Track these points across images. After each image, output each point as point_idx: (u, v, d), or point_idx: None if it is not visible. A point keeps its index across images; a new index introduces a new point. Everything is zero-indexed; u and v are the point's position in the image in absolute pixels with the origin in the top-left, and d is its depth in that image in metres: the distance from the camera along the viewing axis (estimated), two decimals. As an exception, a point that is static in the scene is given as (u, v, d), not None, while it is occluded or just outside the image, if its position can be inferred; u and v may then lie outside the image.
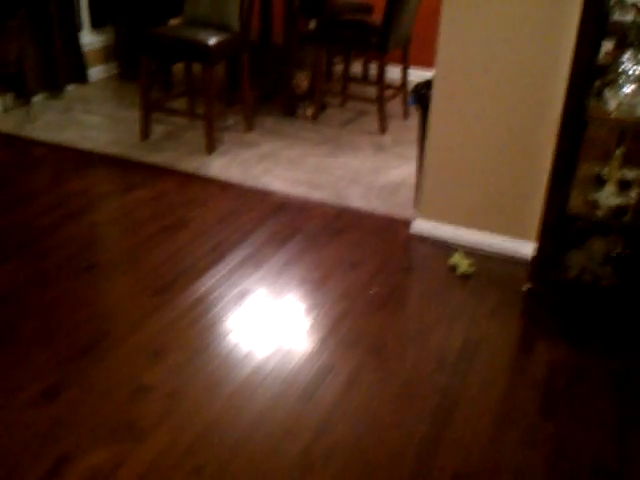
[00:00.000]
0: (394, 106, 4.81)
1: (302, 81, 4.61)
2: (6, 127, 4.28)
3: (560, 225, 2.56)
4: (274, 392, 2.15)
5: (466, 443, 2.00)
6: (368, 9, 5.07)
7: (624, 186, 2.69)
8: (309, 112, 4.67)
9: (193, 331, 2.44)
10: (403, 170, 3.90)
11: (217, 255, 2.94)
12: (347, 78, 5.02)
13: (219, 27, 4.01)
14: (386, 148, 4.25)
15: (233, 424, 2.02)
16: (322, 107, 4.82)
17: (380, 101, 4.43)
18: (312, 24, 5.24)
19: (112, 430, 1.98)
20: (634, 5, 2.37)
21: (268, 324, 2.50)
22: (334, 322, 2.53)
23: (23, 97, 4.57)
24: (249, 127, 4.39)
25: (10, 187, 3.53)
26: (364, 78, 5.33)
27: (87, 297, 2.63)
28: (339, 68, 5.26)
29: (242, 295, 2.66)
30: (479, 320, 2.59)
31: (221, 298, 2.63)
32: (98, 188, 3.59)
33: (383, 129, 4.49)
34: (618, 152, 2.59)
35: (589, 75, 2.35)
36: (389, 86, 4.66)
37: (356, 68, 5.42)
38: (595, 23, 2.26)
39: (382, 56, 4.34)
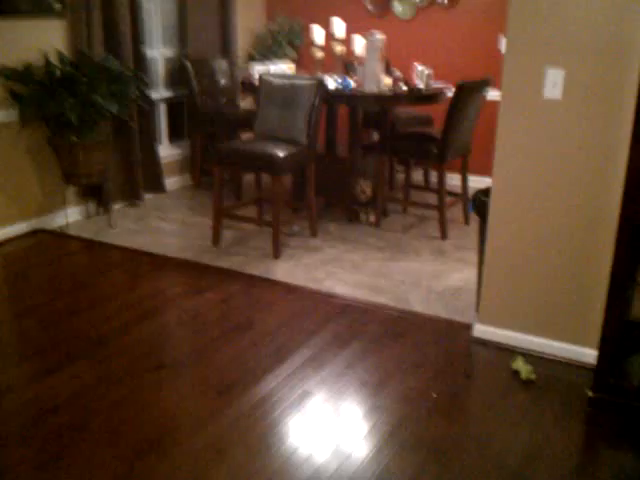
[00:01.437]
0: (455, 213, 4.93)
1: (365, 189, 4.80)
2: (87, 233, 4.59)
3: (620, 332, 2.55)
4: (333, 494, 2.16)
5: None
6: (428, 121, 5.29)
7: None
8: (371, 218, 4.83)
9: (255, 432, 2.49)
10: (464, 275, 3.95)
11: (280, 356, 3.02)
12: (409, 186, 5.19)
13: (287, 140, 4.26)
14: (447, 253, 4.33)
15: (292, 526, 2.04)
16: (384, 214, 4.97)
17: (440, 208, 4.56)
18: (375, 135, 5.51)
19: (174, 527, 2.02)
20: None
21: (329, 428, 2.53)
22: (394, 426, 2.54)
23: (103, 205, 4.90)
24: (314, 233, 4.57)
25: (88, 288, 3.75)
26: (426, 186, 5.48)
27: (154, 396, 2.73)
28: (401, 177, 5.44)
29: (303, 397, 2.71)
30: (542, 427, 2.56)
31: (283, 400, 2.69)
32: (169, 291, 3.78)
33: (444, 235, 4.59)
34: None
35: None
36: (449, 193, 4.79)
37: (418, 176, 5.61)
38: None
39: (442, 165, 4.50)
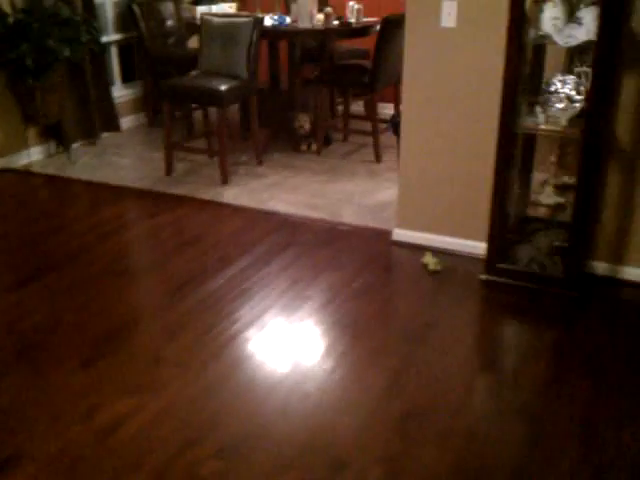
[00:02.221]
0: (392, 138, 5.37)
1: (303, 123, 5.20)
2: (49, 169, 4.96)
3: (503, 225, 3.06)
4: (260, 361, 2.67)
5: (416, 386, 2.48)
6: (364, 54, 5.69)
7: (565, 189, 3.18)
8: (313, 147, 5.26)
9: (203, 319, 2.97)
10: (392, 191, 4.41)
11: (224, 263, 3.50)
12: (348, 116, 5.62)
13: (229, 75, 4.64)
14: (380, 174, 4.80)
15: (230, 378, 2.55)
16: (327, 142, 5.41)
17: (374, 134, 5.01)
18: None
19: (135, 387, 2.52)
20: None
21: (266, 311, 3.03)
22: (318, 310, 3.04)
23: (63, 144, 5.25)
24: (259, 162, 4.99)
25: (54, 216, 4.16)
26: (365, 115, 5.90)
27: (117, 296, 3.20)
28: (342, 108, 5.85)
29: (244, 292, 3.20)
30: (442, 304, 3.09)
31: (226, 295, 3.17)
32: (127, 215, 4.22)
33: (378, 158, 5.05)
34: (552, 159, 3.10)
35: (515, 97, 2.88)
36: (384, 120, 5.22)
37: (360, 108, 6.02)
38: (517, 57, 2.80)
39: (374, 94, 4.93)
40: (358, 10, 4.98)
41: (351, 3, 5.06)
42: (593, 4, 2.72)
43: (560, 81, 3.04)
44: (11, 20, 4.64)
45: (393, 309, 3.07)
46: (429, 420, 2.34)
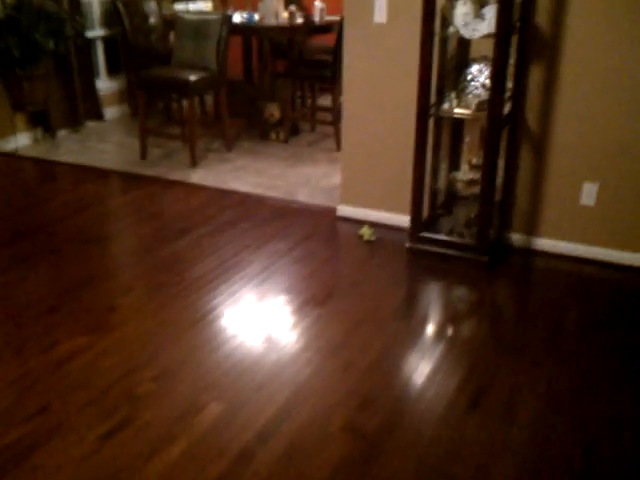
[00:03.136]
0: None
1: (273, 112, 5.62)
2: (36, 153, 5.39)
3: (421, 196, 3.47)
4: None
5: (334, 325, 2.90)
6: (331, 50, 6.09)
7: (477, 167, 3.57)
8: (281, 136, 5.68)
9: (160, 274, 3.39)
10: (346, 175, 4.84)
11: (186, 231, 3.92)
12: (314, 107, 6.03)
13: (200, 68, 5.06)
14: (338, 161, 5.20)
15: (175, 322, 2.96)
16: (295, 132, 5.82)
17: (335, 124, 5.42)
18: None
19: (91, 328, 2.93)
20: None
21: (212, 270, 3.44)
22: (259, 273, 3.46)
23: (49, 131, 5.68)
24: (229, 148, 5.41)
25: (37, 191, 4.59)
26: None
27: (89, 255, 3.62)
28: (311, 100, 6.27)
29: (196, 255, 3.61)
30: (370, 267, 3.50)
31: (185, 256, 3.59)
32: (102, 192, 4.63)
33: (339, 146, 5.45)
34: (466, 139, 3.51)
35: (428, 83, 3.28)
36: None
37: (328, 101, 6.42)
38: (429, 47, 3.21)
39: (335, 86, 5.34)
40: (321, 9, 5.40)
41: (316, 2, 5.47)
42: (495, 2, 3.12)
43: (478, 70, 3.46)
44: (2, 15, 5.06)
45: (325, 271, 3.48)
46: (339, 355, 2.75)
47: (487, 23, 3.14)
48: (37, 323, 2.99)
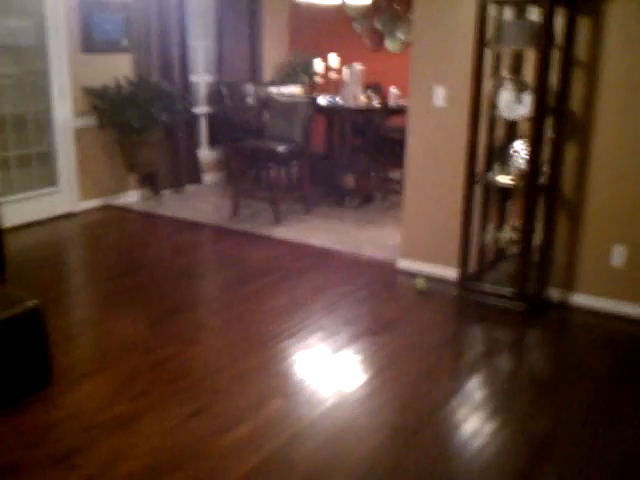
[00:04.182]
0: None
1: (349, 182, 6.33)
2: (143, 208, 6.27)
3: (467, 252, 4.02)
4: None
5: (388, 350, 3.44)
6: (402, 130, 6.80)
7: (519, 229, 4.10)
8: (354, 203, 6.37)
9: (243, 305, 4.04)
10: (410, 237, 5.43)
11: (266, 273, 4.59)
12: (387, 179, 6.71)
13: (288, 141, 5.86)
14: (404, 225, 5.82)
15: (247, 339, 3.59)
16: (368, 200, 6.50)
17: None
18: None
19: (183, 341, 3.59)
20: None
21: (289, 301, 4.07)
22: (328, 305, 4.06)
23: (156, 190, 6.58)
24: (308, 211, 6.13)
25: (142, 238, 5.41)
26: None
27: (184, 288, 4.33)
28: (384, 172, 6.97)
29: (274, 290, 4.26)
30: (423, 311, 4.05)
31: (261, 291, 4.25)
32: (198, 240, 5.41)
33: (406, 213, 6.07)
34: (508, 204, 4.07)
35: (475, 155, 3.89)
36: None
37: (398, 174, 7.10)
38: (476, 126, 3.83)
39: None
40: (396, 94, 6.15)
41: (391, 89, 6.24)
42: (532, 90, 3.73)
43: (521, 146, 4.04)
44: (126, 92, 6.06)
45: (381, 310, 4.05)
46: (385, 371, 3.29)
47: (524, 107, 3.74)
48: (142, 333, 3.69)
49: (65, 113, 5.83)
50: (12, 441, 2.72)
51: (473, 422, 2.90)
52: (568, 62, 3.84)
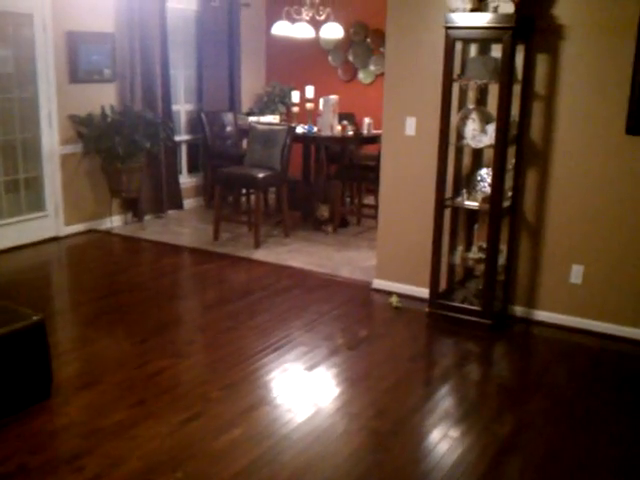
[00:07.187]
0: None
1: (324, 212, 6.61)
2: (126, 232, 6.49)
3: (438, 271, 4.32)
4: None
5: (354, 361, 3.70)
6: (375, 157, 7.14)
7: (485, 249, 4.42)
8: (330, 229, 6.65)
9: (225, 322, 4.28)
10: (383, 259, 5.73)
11: (248, 293, 4.84)
12: (361, 204, 7.02)
13: (267, 168, 6.14)
14: (378, 247, 6.12)
15: (235, 353, 3.82)
16: (344, 224, 6.79)
17: (377, 218, 6.36)
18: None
19: (173, 354, 3.82)
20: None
21: (267, 320, 4.32)
22: (308, 323, 4.32)
23: (138, 215, 6.81)
24: (286, 235, 6.40)
25: (125, 261, 5.62)
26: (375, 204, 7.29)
27: (170, 308, 4.56)
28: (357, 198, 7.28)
29: (255, 309, 4.51)
30: (395, 327, 4.32)
31: (243, 310, 4.49)
32: (180, 263, 5.64)
33: (380, 237, 6.37)
34: (476, 226, 4.39)
35: (444, 181, 4.22)
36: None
37: (372, 200, 7.42)
38: (444, 155, 4.16)
39: (377, 187, 6.33)
40: (369, 124, 6.49)
41: (365, 119, 6.58)
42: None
43: (486, 173, 4.38)
44: (110, 120, 6.31)
45: (357, 326, 4.32)
46: (361, 382, 3.56)
47: (489, 137, 4.09)
48: (133, 349, 3.90)
49: (52, 140, 6.06)
50: (18, 446, 2.92)
51: (443, 426, 3.17)
52: (528, 95, 4.21)
